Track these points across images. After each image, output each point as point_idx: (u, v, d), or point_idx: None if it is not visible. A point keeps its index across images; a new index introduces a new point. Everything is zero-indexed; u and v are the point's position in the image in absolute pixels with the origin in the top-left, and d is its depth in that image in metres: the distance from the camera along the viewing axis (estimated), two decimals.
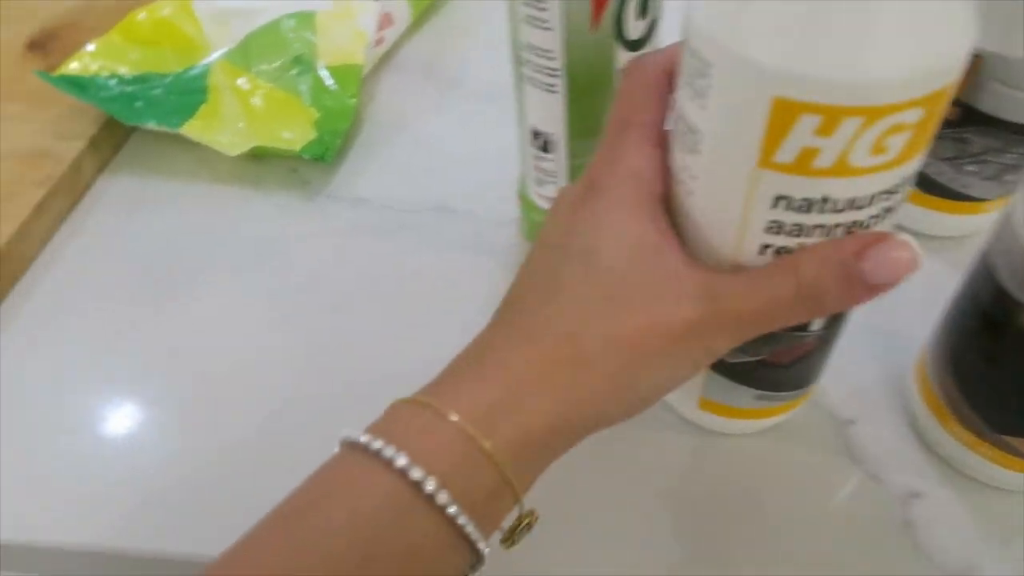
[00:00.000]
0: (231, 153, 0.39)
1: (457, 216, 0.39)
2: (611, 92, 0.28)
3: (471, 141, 0.42)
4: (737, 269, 0.22)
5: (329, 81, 0.42)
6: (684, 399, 0.30)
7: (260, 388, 0.32)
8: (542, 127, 0.30)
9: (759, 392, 0.27)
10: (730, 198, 0.21)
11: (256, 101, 0.41)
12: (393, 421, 0.21)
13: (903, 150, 0.19)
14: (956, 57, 0.18)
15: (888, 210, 0.20)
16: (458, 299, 0.35)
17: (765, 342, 0.25)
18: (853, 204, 0.20)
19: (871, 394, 0.31)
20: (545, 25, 0.26)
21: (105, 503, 0.29)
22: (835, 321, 0.25)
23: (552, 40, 0.26)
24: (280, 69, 0.42)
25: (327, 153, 0.39)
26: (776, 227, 0.20)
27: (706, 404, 0.29)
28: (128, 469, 0.30)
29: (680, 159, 0.22)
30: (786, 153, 0.19)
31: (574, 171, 0.31)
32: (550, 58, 0.27)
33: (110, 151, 0.42)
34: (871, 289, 0.20)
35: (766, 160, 0.19)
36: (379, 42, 0.45)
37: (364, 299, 0.35)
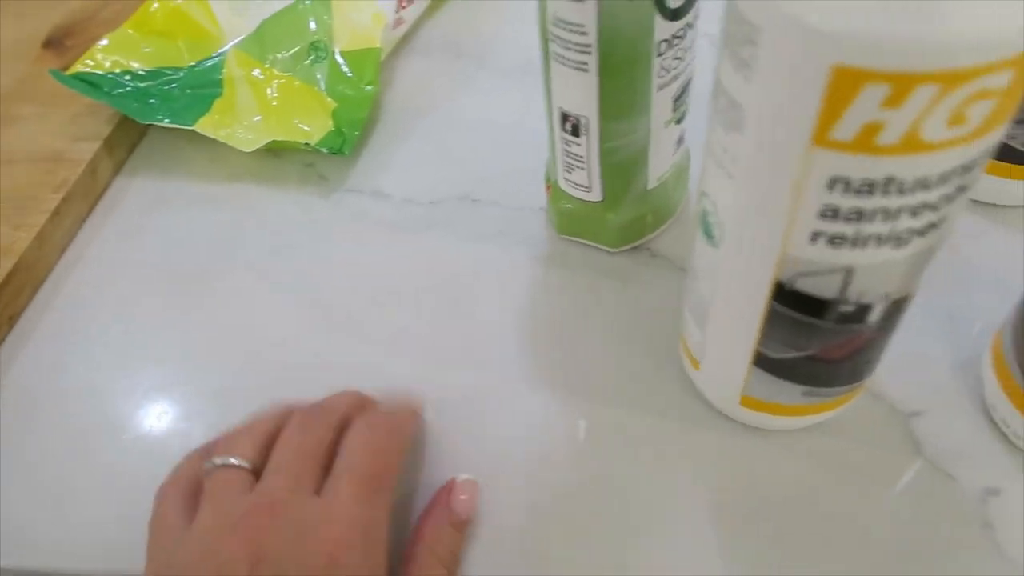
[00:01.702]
0: (246, 149, 0.38)
1: (481, 206, 0.37)
2: (648, 68, 0.26)
3: (494, 127, 0.40)
4: (789, 262, 0.19)
5: (345, 68, 0.40)
6: (724, 397, 0.27)
7: (283, 387, 0.31)
8: (571, 109, 0.28)
9: (807, 388, 0.25)
10: (778, 182, 0.18)
11: (271, 92, 0.39)
12: None
13: (985, 120, 0.16)
14: None
15: (962, 189, 0.18)
16: (484, 292, 0.33)
17: (813, 336, 0.22)
18: (922, 184, 0.17)
19: (939, 383, 0.28)
20: None
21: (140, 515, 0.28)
22: (896, 310, 0.22)
23: (585, 13, 0.24)
24: (295, 57, 0.40)
25: (345, 145, 0.37)
26: (832, 213, 0.18)
27: (749, 402, 0.27)
28: (159, 475, 0.29)
29: (720, 138, 0.20)
30: (845, 129, 0.16)
31: (605, 155, 0.29)
32: (582, 33, 0.24)
33: (125, 151, 0.41)
34: (467, 523, 0.26)
35: (821, 137, 0.17)
36: (398, 23, 0.43)
37: (387, 295, 0.34)
